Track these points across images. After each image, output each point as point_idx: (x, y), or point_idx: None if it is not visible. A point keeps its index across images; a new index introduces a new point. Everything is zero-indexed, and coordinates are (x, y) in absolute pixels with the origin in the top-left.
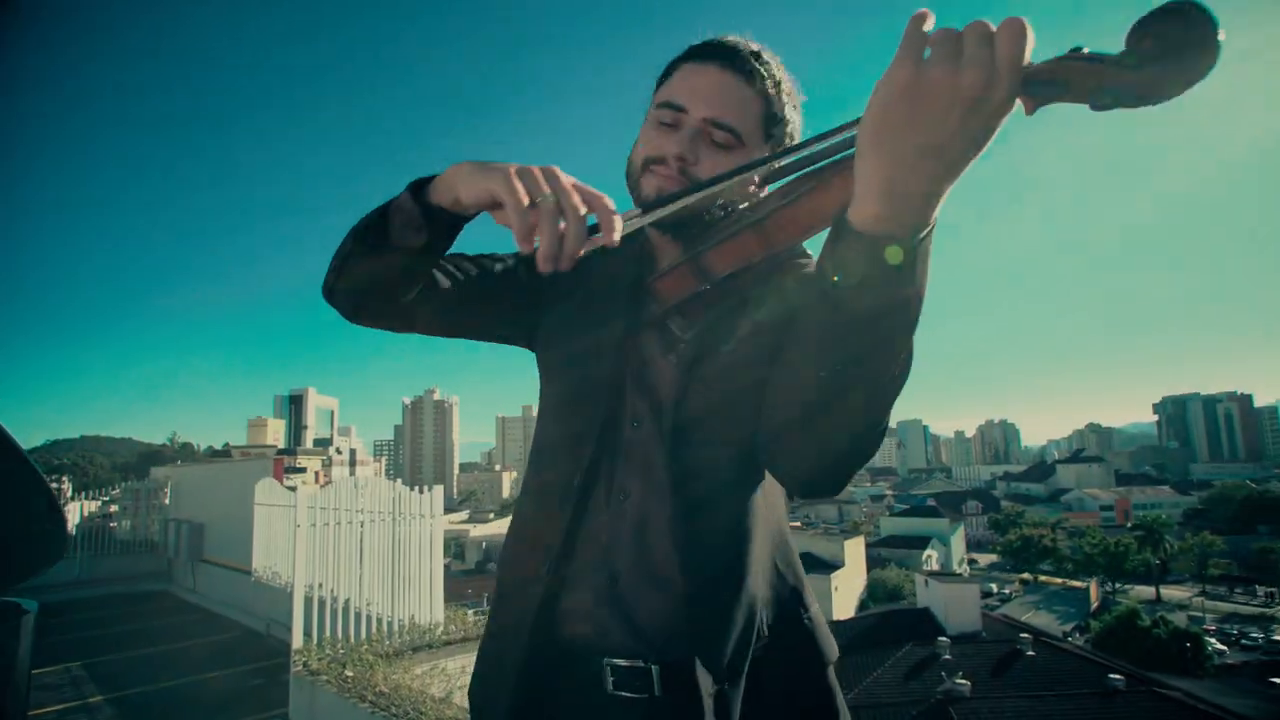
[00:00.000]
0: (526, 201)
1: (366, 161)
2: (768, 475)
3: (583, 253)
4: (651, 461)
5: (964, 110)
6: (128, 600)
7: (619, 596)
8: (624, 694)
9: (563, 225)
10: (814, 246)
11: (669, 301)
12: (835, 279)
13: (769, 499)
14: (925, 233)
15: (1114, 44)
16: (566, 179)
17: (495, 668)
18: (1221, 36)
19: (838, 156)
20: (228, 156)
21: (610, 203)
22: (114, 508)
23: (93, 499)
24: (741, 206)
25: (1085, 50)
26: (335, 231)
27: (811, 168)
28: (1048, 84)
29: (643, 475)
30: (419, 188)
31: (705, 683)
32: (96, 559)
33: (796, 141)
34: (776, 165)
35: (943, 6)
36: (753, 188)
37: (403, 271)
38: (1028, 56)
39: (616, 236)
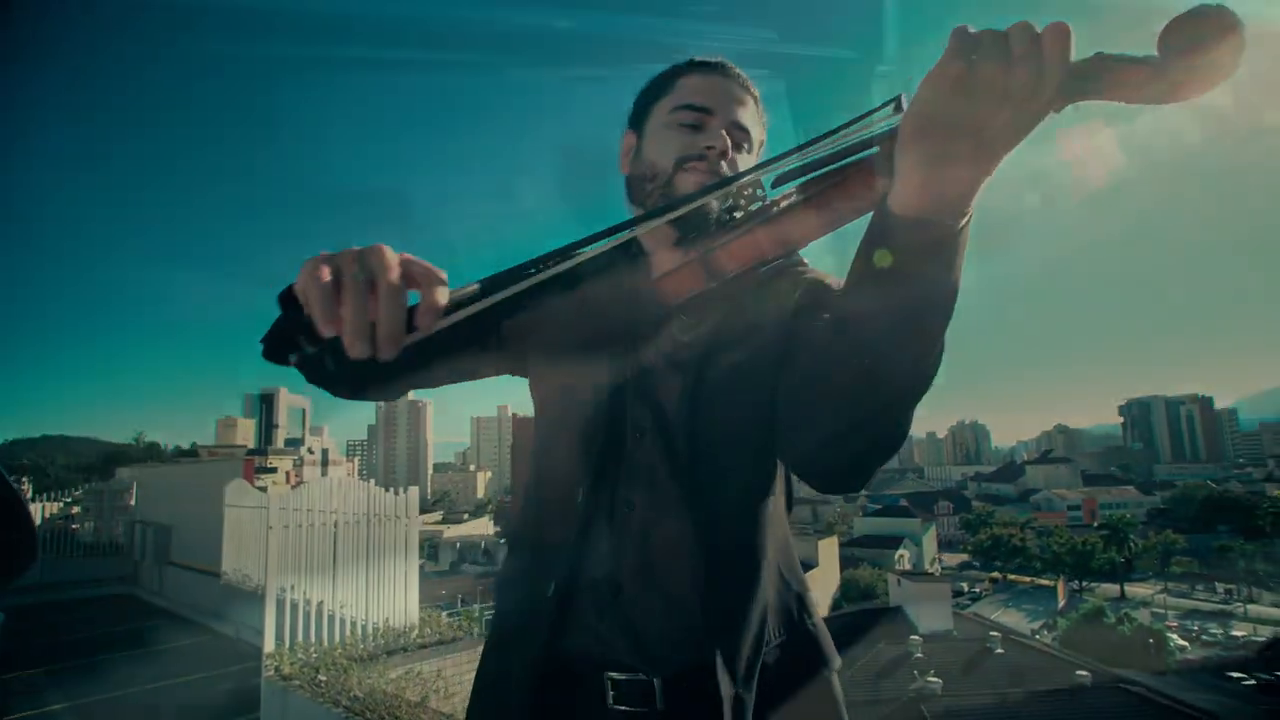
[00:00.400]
0: (327, 278)
1: (342, 159)
2: (775, 479)
3: (410, 339)
4: (656, 472)
5: (1013, 106)
6: (91, 604)
7: (622, 610)
8: (624, 708)
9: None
10: (812, 251)
11: (672, 302)
12: (878, 264)
13: (775, 504)
14: (964, 221)
15: (1134, 48)
16: (391, 256)
17: (497, 685)
18: (1246, 37)
19: (855, 157)
20: (198, 151)
21: (442, 277)
22: (76, 509)
23: (54, 500)
24: (751, 207)
25: (1109, 54)
26: (306, 228)
27: (828, 168)
28: (1080, 81)
29: (646, 486)
30: (287, 297)
31: (724, 688)
32: (58, 562)
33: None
34: (789, 165)
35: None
36: (760, 190)
37: (335, 374)
38: (1072, 58)
39: (429, 323)
